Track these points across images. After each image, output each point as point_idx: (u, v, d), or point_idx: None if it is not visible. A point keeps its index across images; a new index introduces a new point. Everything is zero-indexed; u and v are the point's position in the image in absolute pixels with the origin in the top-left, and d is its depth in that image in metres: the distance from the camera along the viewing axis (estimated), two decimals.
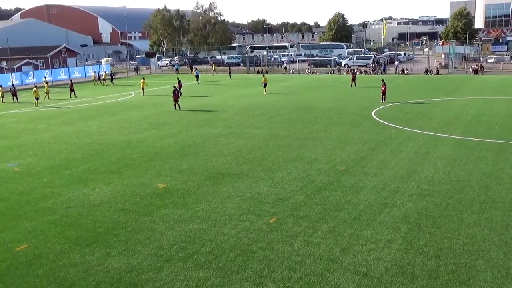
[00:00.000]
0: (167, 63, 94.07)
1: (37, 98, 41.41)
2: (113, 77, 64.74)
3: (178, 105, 36.34)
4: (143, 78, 50.12)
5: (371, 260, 11.01)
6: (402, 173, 17.78)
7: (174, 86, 38.21)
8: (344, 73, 69.97)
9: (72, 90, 48.30)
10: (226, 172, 18.60)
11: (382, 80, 38.61)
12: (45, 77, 59.80)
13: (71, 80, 52.87)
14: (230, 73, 68.39)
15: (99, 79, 63.11)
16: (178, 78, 48.26)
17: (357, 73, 56.15)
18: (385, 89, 37.18)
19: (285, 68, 77.26)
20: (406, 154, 20.68)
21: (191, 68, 75.16)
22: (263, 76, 46.55)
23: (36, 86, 45.09)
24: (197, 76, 61.18)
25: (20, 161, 21.42)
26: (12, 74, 61.30)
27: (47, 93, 46.76)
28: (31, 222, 13.96)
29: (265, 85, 45.50)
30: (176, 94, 36.50)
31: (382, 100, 36.91)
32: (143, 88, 47.56)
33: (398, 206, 14.44)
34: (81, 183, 17.75)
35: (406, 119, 29.32)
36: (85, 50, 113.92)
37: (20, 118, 34.99)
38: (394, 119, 29.19)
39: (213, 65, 78.34)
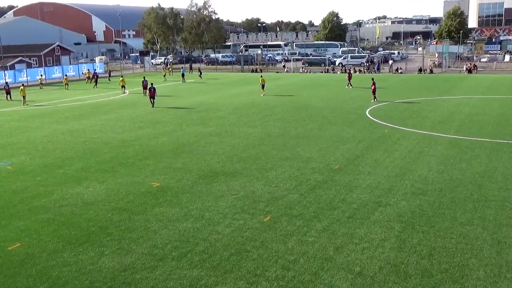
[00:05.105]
0: (161, 62, 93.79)
1: (24, 97, 41.37)
2: (97, 77, 60.09)
3: (153, 101, 37.11)
4: (122, 76, 51.40)
5: (364, 259, 11.03)
6: (396, 172, 17.83)
7: (152, 84, 38.88)
8: (338, 72, 70.05)
9: (96, 81, 55.25)
10: (220, 171, 18.59)
11: (372, 79, 38.54)
12: (66, 74, 62.52)
13: (95, 72, 60.08)
14: (183, 76, 61.41)
15: (89, 77, 62.82)
16: (144, 77, 48.25)
17: (352, 72, 54.87)
18: (374, 88, 37.22)
19: (284, 66, 77.11)
20: (400, 153, 20.73)
21: (191, 68, 74.49)
22: (261, 76, 45.74)
23: (23, 85, 45.14)
24: (183, 75, 60.95)
25: (13, 160, 21.31)
26: (5, 72, 60.99)
27: (67, 84, 54.01)
28: (24, 221, 13.89)
29: (263, 86, 43.42)
30: (152, 92, 37.28)
31: (374, 99, 36.95)
32: (123, 86, 48.07)
33: (392, 205, 14.48)
34: (75, 181, 17.69)
35: (400, 118, 29.39)
36: (79, 48, 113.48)
37: (13, 116, 34.80)
38: (388, 118, 29.26)
39: (170, 67, 74.58)
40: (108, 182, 17.55)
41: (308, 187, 16.34)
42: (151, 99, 37.15)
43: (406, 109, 32.82)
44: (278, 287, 9.97)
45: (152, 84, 38.89)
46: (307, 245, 11.85)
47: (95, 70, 67.22)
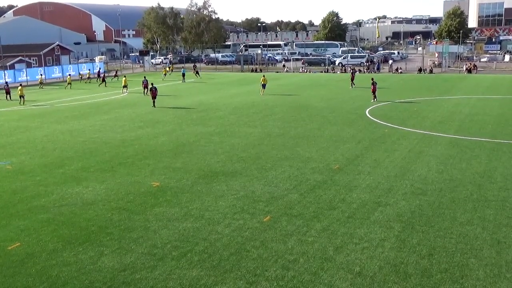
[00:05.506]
0: (161, 61, 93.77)
1: (21, 97, 41.28)
2: (105, 76, 59.40)
3: (154, 102, 36.89)
4: (125, 76, 51.64)
5: (364, 259, 11.03)
6: (395, 172, 17.83)
7: (152, 84, 38.85)
8: (338, 72, 70.03)
9: (103, 80, 55.65)
10: (220, 171, 18.58)
11: (372, 79, 38.55)
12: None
13: (104, 72, 61.80)
14: (183, 76, 60.54)
15: (89, 77, 63.07)
16: (144, 76, 48.50)
17: (356, 72, 54.28)
18: (374, 88, 37.27)
19: (284, 66, 77.23)
20: (400, 153, 20.73)
21: (195, 68, 74.30)
22: (263, 76, 45.52)
23: (21, 85, 45.12)
24: (183, 75, 60.98)
25: (12, 159, 21.30)
26: (5, 72, 60.98)
27: (69, 83, 55.03)
28: (24, 221, 13.89)
29: (264, 86, 43.24)
30: (154, 92, 37.09)
31: (374, 99, 36.98)
32: (125, 86, 48.07)
33: (392, 204, 14.48)
34: (74, 181, 17.68)
35: (400, 118, 29.39)
36: (79, 48, 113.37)
37: (13, 116, 34.79)
38: (387, 118, 29.26)
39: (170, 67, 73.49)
40: (108, 181, 17.54)
41: (308, 187, 16.34)
42: (153, 99, 36.99)
43: (406, 109, 32.82)
44: (278, 287, 9.97)
45: (152, 84, 38.90)
46: (307, 245, 11.85)
47: (100, 69, 67.55)
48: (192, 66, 72.96)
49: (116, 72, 67.46)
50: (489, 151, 20.76)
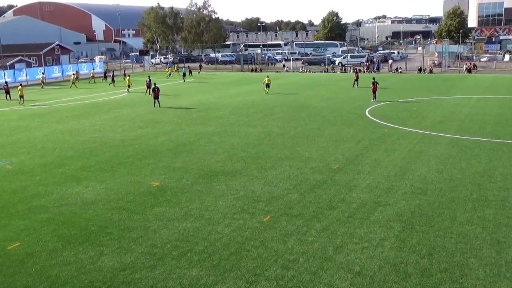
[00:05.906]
0: (160, 61, 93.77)
1: (21, 97, 41.23)
2: (108, 75, 61.16)
3: (158, 102, 36.77)
4: (129, 76, 52.25)
5: (364, 259, 11.04)
6: (395, 172, 17.83)
7: (155, 84, 38.75)
8: (338, 72, 70.02)
9: (113, 79, 56.32)
10: (220, 170, 18.58)
11: (373, 79, 38.58)
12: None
13: (113, 71, 61.97)
14: (184, 75, 61.11)
15: (93, 77, 63.23)
16: (149, 76, 48.68)
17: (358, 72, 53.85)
18: (375, 88, 37.29)
19: (284, 65, 77.32)
20: (400, 152, 20.73)
21: (200, 68, 73.90)
22: (267, 76, 45.70)
23: (21, 84, 45.06)
24: (184, 74, 61.02)
25: (12, 159, 21.30)
26: (5, 71, 60.94)
27: (73, 82, 55.25)
28: (24, 221, 13.89)
29: (268, 85, 43.68)
30: (156, 92, 36.94)
31: (373, 99, 36.99)
32: (128, 86, 48.62)
33: (392, 204, 14.48)
34: (74, 181, 17.68)
35: (400, 117, 29.39)
36: (79, 47, 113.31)
37: (12, 115, 34.78)
38: (387, 118, 29.26)
39: (175, 66, 73.72)
40: (108, 181, 17.54)
41: (307, 187, 16.34)
42: (156, 99, 36.80)
43: (405, 109, 32.82)
44: (278, 286, 9.97)
45: (155, 84, 38.76)
46: (307, 244, 11.86)
47: (106, 71, 67.79)
48: (198, 66, 73.06)
49: (124, 72, 67.88)
50: (489, 151, 20.76)
